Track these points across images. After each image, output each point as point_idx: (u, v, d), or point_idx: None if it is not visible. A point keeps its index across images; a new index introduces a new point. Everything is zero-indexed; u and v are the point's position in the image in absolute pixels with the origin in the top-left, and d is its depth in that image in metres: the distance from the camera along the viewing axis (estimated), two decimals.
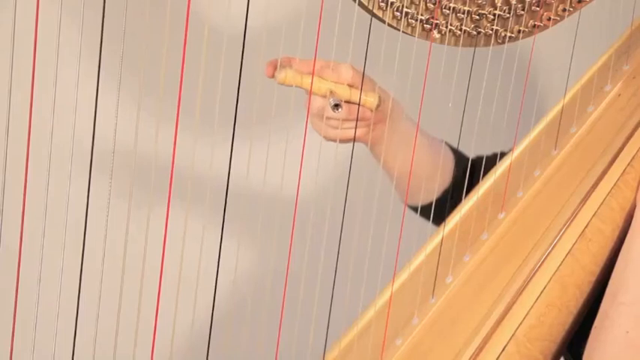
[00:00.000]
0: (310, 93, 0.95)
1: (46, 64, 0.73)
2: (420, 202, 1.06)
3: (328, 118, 0.97)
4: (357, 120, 0.96)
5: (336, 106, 0.92)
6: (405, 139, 1.03)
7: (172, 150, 0.78)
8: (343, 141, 1.00)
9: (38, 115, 0.74)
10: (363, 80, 0.96)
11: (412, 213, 1.12)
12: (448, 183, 1.10)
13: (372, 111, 0.97)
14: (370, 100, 0.96)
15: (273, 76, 0.94)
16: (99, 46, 0.71)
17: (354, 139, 0.99)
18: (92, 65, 0.74)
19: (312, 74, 0.93)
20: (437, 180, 1.05)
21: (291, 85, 0.94)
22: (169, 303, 0.82)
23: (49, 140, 0.78)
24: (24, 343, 0.82)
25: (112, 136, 0.74)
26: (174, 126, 0.77)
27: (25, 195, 0.73)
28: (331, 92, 0.93)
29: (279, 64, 0.94)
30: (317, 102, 0.95)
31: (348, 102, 0.95)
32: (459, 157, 1.12)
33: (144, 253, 0.80)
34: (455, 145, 1.11)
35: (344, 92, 0.95)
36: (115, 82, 0.74)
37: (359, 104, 0.95)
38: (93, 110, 0.72)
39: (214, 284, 0.84)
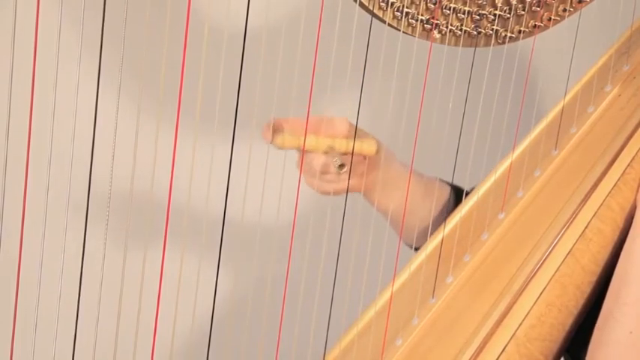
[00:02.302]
0: (303, 152, 0.95)
1: (46, 67, 0.73)
2: (415, 244, 1.06)
3: (325, 174, 0.97)
4: (350, 164, 0.96)
5: (341, 166, 0.92)
6: (398, 183, 1.03)
7: (173, 152, 0.78)
8: (337, 193, 1.00)
9: (38, 119, 0.74)
10: (356, 129, 0.96)
11: None
12: (443, 218, 1.09)
13: (372, 155, 0.97)
14: (369, 147, 0.96)
15: (271, 141, 0.93)
16: (99, 47, 0.71)
17: (347, 190, 0.99)
18: (92, 66, 0.74)
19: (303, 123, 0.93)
20: (430, 219, 1.05)
21: (290, 148, 0.94)
22: (169, 305, 0.82)
23: (49, 144, 0.78)
24: (24, 346, 0.82)
25: (112, 138, 0.74)
26: (175, 127, 0.77)
27: (25, 198, 0.73)
28: (331, 148, 0.93)
29: (272, 127, 0.94)
30: (318, 160, 0.95)
31: (347, 153, 0.95)
32: (455, 191, 1.11)
33: (144, 257, 0.80)
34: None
35: (343, 145, 0.94)
36: (115, 84, 0.74)
37: (352, 153, 0.95)
38: (93, 112, 0.72)
39: (214, 285, 0.84)
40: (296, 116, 0.94)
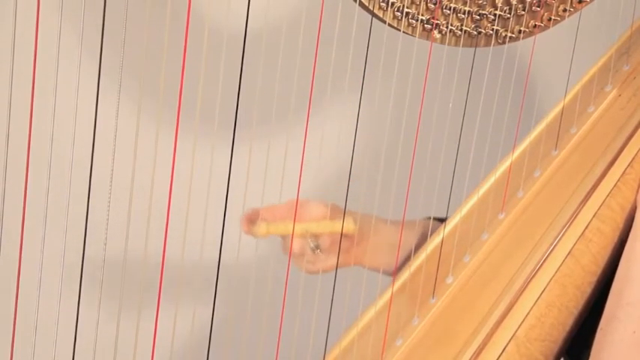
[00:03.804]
0: (292, 238, 0.96)
1: (46, 69, 0.73)
2: None
3: (302, 256, 0.98)
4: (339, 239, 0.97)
5: (316, 247, 0.95)
6: (389, 244, 1.03)
7: (173, 153, 0.79)
8: (326, 271, 1.01)
9: (38, 121, 0.74)
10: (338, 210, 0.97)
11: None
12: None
13: (352, 233, 0.98)
14: (346, 226, 0.97)
15: (251, 232, 0.95)
16: (99, 48, 0.71)
17: (336, 266, 1.00)
18: (92, 68, 0.74)
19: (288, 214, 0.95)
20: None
21: (270, 235, 0.95)
22: (169, 305, 0.82)
23: (49, 146, 0.78)
24: (24, 349, 0.82)
25: (112, 141, 0.74)
26: (175, 129, 0.77)
27: (25, 201, 0.73)
28: (308, 232, 0.95)
29: (251, 218, 0.96)
30: (297, 244, 0.96)
31: (326, 234, 0.97)
32: None
33: (145, 247, 0.80)
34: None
35: (320, 227, 0.96)
36: (115, 86, 0.74)
37: (340, 233, 0.96)
38: (93, 115, 0.72)
39: (215, 284, 0.84)
40: (273, 204, 0.97)
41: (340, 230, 0.96)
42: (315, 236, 0.96)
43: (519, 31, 0.94)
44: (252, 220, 0.96)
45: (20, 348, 0.79)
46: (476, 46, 0.93)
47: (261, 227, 0.94)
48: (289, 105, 0.96)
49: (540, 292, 0.89)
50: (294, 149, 0.95)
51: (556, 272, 0.89)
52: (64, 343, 0.78)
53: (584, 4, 0.94)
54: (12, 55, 0.71)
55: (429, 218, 1.06)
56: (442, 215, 1.05)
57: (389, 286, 0.99)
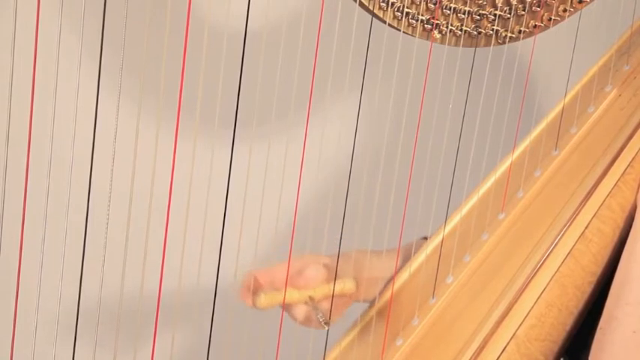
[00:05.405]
0: (286, 306, 0.95)
1: (46, 69, 0.73)
2: None
3: (309, 322, 0.97)
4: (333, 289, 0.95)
5: (326, 323, 0.93)
6: (383, 279, 1.02)
7: (173, 152, 0.79)
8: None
9: (38, 122, 0.74)
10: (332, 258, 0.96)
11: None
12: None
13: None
14: (349, 287, 0.95)
15: (253, 304, 0.93)
16: (99, 48, 0.71)
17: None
18: (92, 68, 0.74)
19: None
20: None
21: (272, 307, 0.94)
22: (169, 304, 0.82)
23: (49, 147, 0.78)
24: (24, 351, 0.82)
25: (112, 141, 0.74)
26: (175, 129, 0.77)
27: (25, 202, 0.73)
28: (311, 298, 0.93)
29: (251, 288, 0.94)
30: (301, 311, 0.95)
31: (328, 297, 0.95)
32: None
33: (145, 246, 0.80)
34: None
35: (322, 292, 0.94)
36: (115, 87, 0.74)
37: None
38: (93, 115, 0.72)
39: (215, 282, 0.84)
40: (268, 267, 0.95)
41: (341, 289, 0.94)
42: (318, 303, 0.94)
43: (519, 31, 0.94)
44: (251, 290, 0.94)
45: (20, 348, 0.79)
46: (476, 46, 0.93)
47: (262, 299, 0.92)
48: (289, 105, 0.96)
49: (540, 292, 0.89)
50: (294, 149, 0.95)
51: (556, 272, 0.89)
52: (64, 343, 0.78)
53: (584, 4, 0.94)
54: (12, 55, 0.71)
55: (425, 238, 1.06)
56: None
57: (389, 286, 0.99)
